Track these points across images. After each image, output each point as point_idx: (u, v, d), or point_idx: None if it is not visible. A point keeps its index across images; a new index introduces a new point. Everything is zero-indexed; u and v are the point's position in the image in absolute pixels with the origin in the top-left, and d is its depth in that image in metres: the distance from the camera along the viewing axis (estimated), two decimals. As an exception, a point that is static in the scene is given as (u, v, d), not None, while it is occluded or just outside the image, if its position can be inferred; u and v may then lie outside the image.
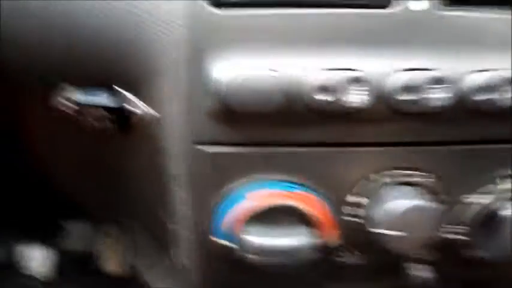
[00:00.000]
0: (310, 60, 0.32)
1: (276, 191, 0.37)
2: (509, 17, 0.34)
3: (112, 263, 0.97)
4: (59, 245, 1.03)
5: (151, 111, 0.37)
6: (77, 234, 1.12)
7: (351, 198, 0.37)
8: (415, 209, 0.35)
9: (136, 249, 1.05)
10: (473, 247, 0.41)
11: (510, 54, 0.33)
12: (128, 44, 0.34)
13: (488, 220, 0.38)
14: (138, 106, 0.37)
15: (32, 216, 0.61)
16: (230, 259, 0.39)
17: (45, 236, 0.87)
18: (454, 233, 0.40)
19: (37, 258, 0.94)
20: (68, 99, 0.37)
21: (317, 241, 0.38)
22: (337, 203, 0.38)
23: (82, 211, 0.61)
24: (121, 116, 0.38)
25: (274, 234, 0.36)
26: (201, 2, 0.32)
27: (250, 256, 0.36)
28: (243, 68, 0.32)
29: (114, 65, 0.35)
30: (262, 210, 0.36)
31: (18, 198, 0.53)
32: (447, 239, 0.39)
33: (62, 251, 1.07)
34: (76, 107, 0.37)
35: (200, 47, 0.33)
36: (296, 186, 0.37)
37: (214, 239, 0.39)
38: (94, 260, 0.98)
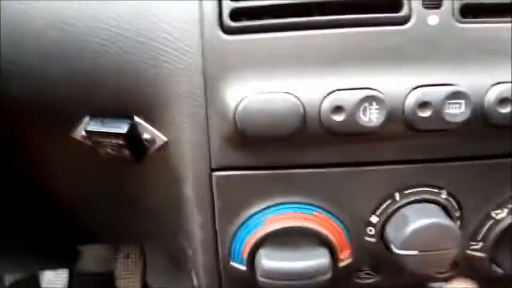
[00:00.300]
0: (325, 81, 0.32)
1: (293, 213, 0.36)
2: None
3: (129, 283, 0.98)
4: (74, 267, 1.04)
5: (165, 138, 0.38)
6: (95, 257, 1.12)
7: (368, 219, 0.37)
8: (432, 227, 0.34)
9: (153, 270, 1.05)
10: (493, 263, 0.40)
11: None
12: (145, 73, 0.34)
13: (509, 235, 0.38)
14: (153, 134, 0.38)
15: (50, 241, 0.62)
16: (250, 284, 0.38)
17: (61, 259, 0.87)
18: (473, 250, 0.39)
19: (52, 281, 0.95)
20: (86, 130, 0.38)
21: (335, 263, 0.37)
22: (355, 224, 0.37)
23: (99, 236, 0.61)
24: (137, 144, 0.38)
25: (293, 257, 0.36)
26: (214, 29, 0.32)
27: (270, 281, 0.36)
28: (258, 93, 0.32)
29: (131, 94, 0.35)
30: (280, 233, 0.36)
31: (36, 224, 0.54)
32: (466, 255, 0.38)
33: (78, 273, 1.08)
34: (94, 137, 0.38)
35: (214, 74, 0.33)
36: (314, 208, 0.36)
37: (234, 264, 0.38)
38: (111, 281, 0.98)
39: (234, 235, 0.37)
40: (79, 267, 1.11)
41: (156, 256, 1.06)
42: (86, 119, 0.38)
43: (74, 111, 0.38)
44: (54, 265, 0.86)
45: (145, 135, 0.38)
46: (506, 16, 0.33)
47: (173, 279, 1.08)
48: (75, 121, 0.38)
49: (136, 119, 0.37)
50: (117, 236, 0.61)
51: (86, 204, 0.50)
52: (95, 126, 0.37)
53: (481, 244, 0.39)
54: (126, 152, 0.38)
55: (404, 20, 0.32)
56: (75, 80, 0.35)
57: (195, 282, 0.46)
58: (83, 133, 0.38)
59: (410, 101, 0.32)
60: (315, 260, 0.36)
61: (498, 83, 0.32)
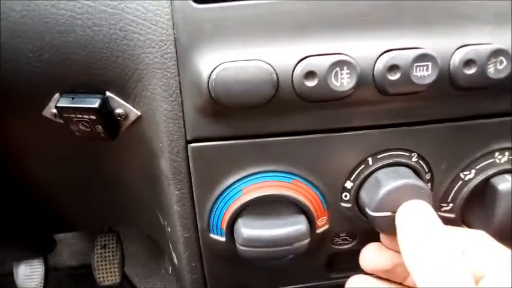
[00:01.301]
0: (297, 48, 0.32)
1: (270, 182, 0.37)
2: None
3: (107, 274, 0.97)
4: (51, 259, 1.02)
5: (139, 112, 0.37)
6: (70, 250, 1.11)
7: (343, 184, 0.38)
8: (404, 188, 0.35)
9: (131, 260, 1.04)
10: (463, 223, 0.42)
11: (493, 28, 0.34)
12: (115, 45, 0.34)
13: (483, 195, 0.39)
14: (126, 108, 0.37)
15: (23, 231, 0.60)
16: (230, 255, 0.39)
17: (36, 249, 0.85)
18: (444, 211, 0.41)
19: (26, 273, 0.93)
20: (56, 106, 0.37)
21: (313, 229, 0.38)
22: (331, 190, 0.38)
23: (75, 222, 0.60)
24: (109, 119, 0.38)
25: (272, 225, 0.36)
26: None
27: (249, 249, 0.36)
28: (230, 61, 0.32)
29: (102, 67, 0.35)
30: (258, 202, 0.37)
31: (9, 211, 0.52)
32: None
33: (54, 267, 1.06)
34: (65, 114, 0.37)
35: (186, 43, 0.33)
36: (290, 175, 0.37)
37: (214, 236, 0.39)
38: (90, 272, 0.97)
39: (212, 207, 0.38)
40: (55, 262, 1.09)
41: (133, 245, 1.05)
42: (56, 95, 0.37)
43: (44, 88, 0.37)
44: (29, 255, 0.84)
45: (118, 110, 0.37)
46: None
47: (151, 268, 1.08)
48: (46, 99, 0.37)
49: (108, 93, 0.37)
50: (94, 220, 0.60)
51: (61, 187, 0.49)
52: (65, 102, 0.36)
53: (451, 205, 0.41)
54: (99, 128, 0.37)
55: None
56: (42, 55, 0.35)
57: (175, 260, 0.46)
58: (54, 110, 0.37)
59: (380, 64, 0.32)
60: (293, 226, 0.36)
61: (463, 46, 0.33)
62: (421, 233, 0.31)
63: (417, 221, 0.32)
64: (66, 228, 0.69)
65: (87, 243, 1.08)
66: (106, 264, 0.98)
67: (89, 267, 0.98)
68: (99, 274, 0.97)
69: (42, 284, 0.97)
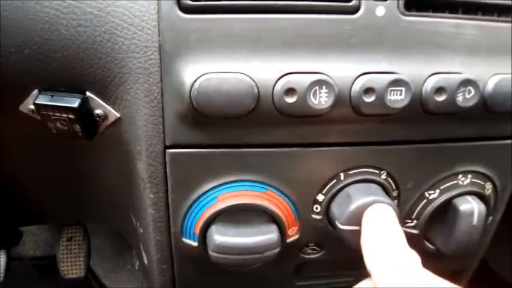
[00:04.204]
0: (279, 64, 0.33)
1: (245, 191, 0.38)
2: (465, 22, 0.36)
3: (72, 267, 0.95)
4: (14, 250, 0.99)
5: (118, 114, 0.37)
6: (35, 240, 1.08)
7: (315, 197, 0.39)
8: (371, 205, 0.36)
9: (97, 254, 1.03)
10: (426, 240, 0.44)
11: (465, 58, 0.36)
12: (99, 47, 0.34)
13: (446, 214, 0.41)
14: (106, 109, 0.37)
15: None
16: (201, 260, 0.39)
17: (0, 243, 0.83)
18: (408, 227, 0.43)
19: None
20: (34, 103, 0.36)
21: (284, 238, 0.39)
22: (303, 202, 0.39)
23: (46, 215, 0.59)
24: (88, 119, 0.38)
25: (244, 233, 0.37)
26: (172, 7, 0.32)
27: (221, 256, 0.37)
28: (213, 72, 0.32)
29: (83, 68, 0.35)
30: (231, 210, 0.37)
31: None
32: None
33: (17, 257, 1.04)
34: (43, 111, 0.37)
35: (171, 51, 0.33)
36: (264, 186, 0.38)
37: (186, 240, 0.39)
38: (54, 264, 0.95)
39: (187, 212, 0.38)
40: (18, 251, 1.06)
41: (100, 239, 1.04)
42: (35, 91, 0.37)
43: (23, 84, 0.36)
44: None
45: (98, 111, 0.37)
46: (445, 12, 0.36)
47: (117, 263, 1.07)
48: (24, 94, 0.37)
49: (89, 93, 0.37)
50: (64, 215, 0.60)
51: (32, 181, 0.49)
52: (44, 100, 0.36)
53: (415, 222, 0.43)
54: (77, 127, 0.37)
55: (355, 10, 0.34)
56: (23, 51, 0.34)
57: (145, 260, 0.47)
58: (31, 106, 0.37)
59: (357, 86, 0.34)
60: (264, 235, 0.37)
61: (436, 73, 0.35)
62: (381, 236, 0.33)
63: (378, 226, 0.34)
64: (34, 221, 0.68)
65: (52, 234, 1.06)
66: (71, 257, 0.96)
67: (53, 259, 0.96)
68: (63, 266, 0.96)
69: (3, 274, 0.95)
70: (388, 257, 0.31)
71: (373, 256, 0.32)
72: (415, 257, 0.31)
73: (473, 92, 0.35)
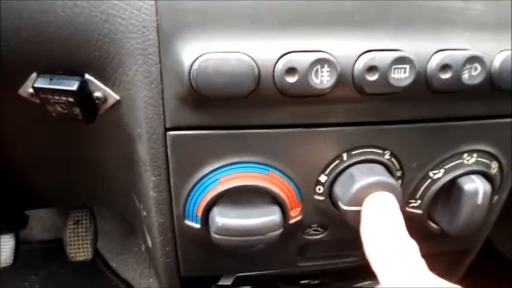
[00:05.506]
0: (280, 43, 0.33)
1: (246, 172, 0.37)
2: None
3: (79, 249, 0.97)
4: (22, 232, 1.01)
5: (118, 97, 0.37)
6: (42, 224, 1.10)
7: (318, 178, 0.39)
8: (376, 185, 0.36)
9: (104, 236, 1.04)
10: (430, 220, 0.44)
11: (471, 34, 0.35)
12: (96, 28, 0.33)
13: (450, 194, 0.41)
14: (105, 92, 0.37)
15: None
16: (204, 242, 0.40)
17: (7, 227, 0.84)
18: (412, 207, 0.42)
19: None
20: (33, 86, 0.36)
21: (286, 220, 0.39)
22: (305, 183, 0.39)
23: (50, 199, 0.59)
24: (88, 102, 0.37)
25: (246, 214, 0.37)
26: (169, -14, 0.32)
27: (223, 237, 0.37)
28: (212, 52, 0.32)
29: (81, 49, 0.34)
30: (233, 192, 0.37)
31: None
32: (405, 212, 0.41)
33: (25, 241, 1.05)
34: (42, 95, 0.36)
35: (169, 32, 0.32)
36: (266, 167, 0.38)
37: (189, 222, 0.39)
38: (61, 247, 0.96)
39: (189, 194, 0.38)
40: (26, 235, 1.08)
41: (106, 221, 1.05)
42: (33, 75, 0.36)
43: (21, 67, 0.36)
44: (0, 231, 0.83)
45: (97, 94, 0.37)
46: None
47: (124, 245, 1.08)
48: (23, 78, 0.37)
49: (87, 76, 0.36)
50: (69, 199, 0.60)
51: (36, 165, 0.49)
52: (43, 83, 0.36)
53: (419, 202, 0.42)
54: (77, 110, 0.37)
55: None
56: (20, 34, 0.34)
57: (149, 242, 0.47)
58: (30, 90, 0.37)
59: (359, 64, 0.33)
60: (267, 217, 0.37)
61: (440, 50, 0.34)
62: (381, 227, 0.33)
63: (378, 216, 0.34)
64: (40, 205, 0.69)
65: (59, 218, 1.07)
66: (78, 240, 0.98)
67: (61, 242, 0.97)
68: (71, 249, 0.97)
69: (12, 258, 0.96)
70: (387, 249, 0.31)
71: (371, 247, 0.32)
72: (413, 249, 0.31)
73: (479, 69, 0.34)
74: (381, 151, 0.38)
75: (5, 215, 0.66)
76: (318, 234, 0.43)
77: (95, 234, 0.99)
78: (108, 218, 1.06)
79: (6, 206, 0.59)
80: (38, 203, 0.61)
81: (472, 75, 0.34)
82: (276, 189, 0.38)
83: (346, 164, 0.38)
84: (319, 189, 0.39)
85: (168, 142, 0.36)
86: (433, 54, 0.34)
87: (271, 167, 0.38)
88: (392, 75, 0.33)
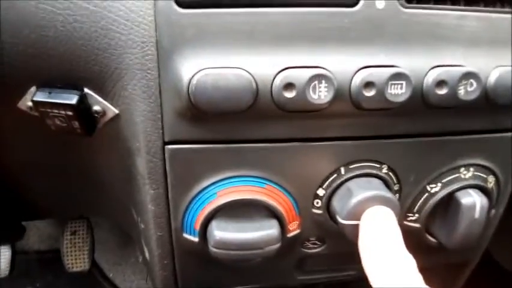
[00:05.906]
0: (278, 58, 0.33)
1: (245, 186, 0.38)
2: (467, 13, 0.35)
3: (76, 260, 0.96)
4: (19, 244, 1.00)
5: (116, 111, 0.37)
6: (39, 234, 1.09)
7: (316, 191, 0.39)
8: (374, 199, 0.36)
9: (101, 247, 1.04)
10: (427, 233, 0.44)
11: (467, 50, 0.36)
12: (96, 43, 0.33)
13: (447, 208, 0.41)
14: (104, 105, 0.37)
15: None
16: (202, 255, 0.40)
17: (4, 238, 0.84)
18: (409, 221, 0.43)
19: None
20: (32, 100, 0.36)
21: (284, 233, 0.39)
22: (303, 197, 0.39)
23: (47, 210, 0.59)
24: (86, 116, 0.38)
25: (244, 228, 0.37)
26: (168, 2, 0.32)
27: (221, 251, 0.37)
28: (211, 67, 0.32)
29: (81, 64, 0.34)
30: (232, 206, 0.37)
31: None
32: (403, 226, 0.41)
33: (22, 251, 1.05)
34: (41, 108, 0.36)
35: (168, 47, 0.33)
36: (264, 181, 0.38)
37: (187, 236, 0.39)
38: (58, 257, 0.96)
39: (187, 208, 0.38)
40: (23, 245, 1.07)
41: (104, 232, 1.05)
42: (33, 88, 0.36)
43: (20, 80, 0.36)
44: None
45: (96, 107, 0.37)
46: (446, 3, 0.35)
47: (121, 255, 1.08)
48: (22, 91, 0.37)
49: (86, 90, 0.36)
50: (66, 210, 0.60)
51: (34, 177, 0.49)
52: (42, 97, 0.36)
53: (416, 216, 0.42)
54: (76, 124, 0.37)
55: (354, 3, 0.34)
56: (19, 48, 0.34)
57: (147, 255, 0.47)
58: (29, 103, 0.37)
59: (357, 80, 0.33)
60: (265, 231, 0.37)
61: (436, 66, 0.35)
62: (379, 242, 0.33)
63: (376, 231, 0.34)
64: (37, 216, 0.69)
65: (56, 228, 1.07)
66: (75, 251, 0.97)
67: (58, 252, 0.97)
68: (68, 260, 0.96)
69: (8, 268, 0.96)
70: (385, 264, 0.31)
71: (369, 262, 0.32)
72: (411, 264, 0.31)
73: (475, 85, 0.35)
74: (378, 165, 0.39)
75: (2, 225, 0.65)
76: (316, 248, 0.43)
77: (92, 245, 0.98)
78: (105, 229, 1.05)
79: (4, 217, 0.59)
80: (35, 214, 0.61)
81: (467, 91, 0.35)
82: (274, 203, 0.38)
83: (344, 178, 0.38)
84: (317, 203, 0.39)
85: (167, 156, 0.36)
86: (429, 70, 0.34)
87: (269, 180, 0.38)
88: (389, 91, 0.33)
